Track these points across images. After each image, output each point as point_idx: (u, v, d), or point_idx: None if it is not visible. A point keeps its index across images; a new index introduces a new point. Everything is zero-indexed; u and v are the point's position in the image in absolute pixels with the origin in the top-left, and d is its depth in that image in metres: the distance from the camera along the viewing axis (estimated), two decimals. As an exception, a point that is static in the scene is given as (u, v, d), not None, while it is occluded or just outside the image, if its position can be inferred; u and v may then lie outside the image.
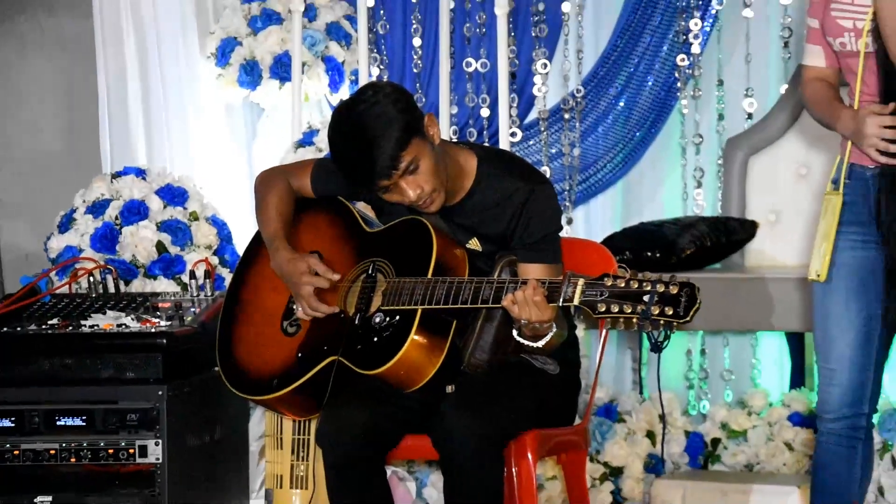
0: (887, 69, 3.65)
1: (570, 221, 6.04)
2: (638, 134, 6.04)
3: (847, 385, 3.80)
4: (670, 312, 3.50)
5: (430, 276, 3.84)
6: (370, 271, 3.98)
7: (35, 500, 4.36)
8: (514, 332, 3.79)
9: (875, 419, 4.05)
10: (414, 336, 3.80)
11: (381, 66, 6.14)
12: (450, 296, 3.78)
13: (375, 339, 3.86)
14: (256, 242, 4.24)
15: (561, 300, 3.63)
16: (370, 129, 3.78)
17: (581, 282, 3.61)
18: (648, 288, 3.53)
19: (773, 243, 5.80)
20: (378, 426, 3.89)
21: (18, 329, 4.52)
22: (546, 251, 3.92)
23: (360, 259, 4.04)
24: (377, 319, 3.88)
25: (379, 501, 3.93)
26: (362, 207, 4.16)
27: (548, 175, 5.83)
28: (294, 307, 4.04)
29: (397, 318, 3.85)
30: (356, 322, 3.91)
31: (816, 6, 3.80)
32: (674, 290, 3.51)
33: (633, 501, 5.29)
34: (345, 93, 5.92)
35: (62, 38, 6.46)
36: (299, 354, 3.99)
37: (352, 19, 6.00)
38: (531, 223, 3.91)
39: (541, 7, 6.05)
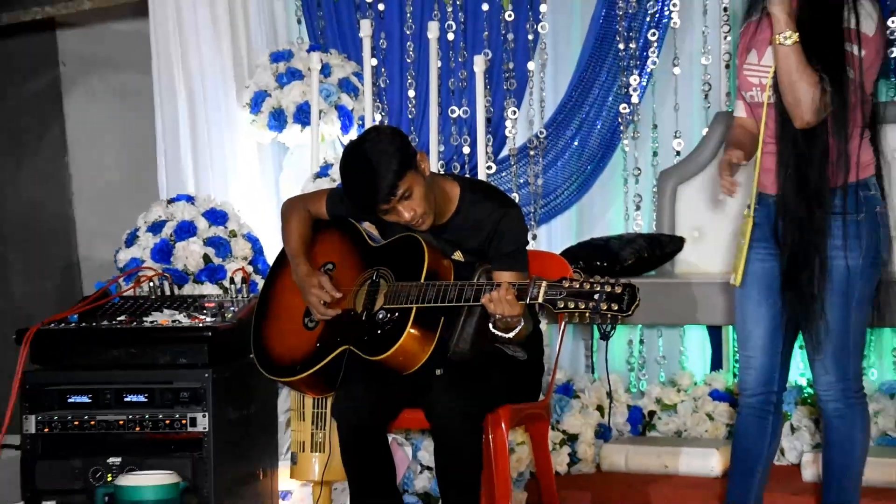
0: (783, 116, 3.66)
1: (534, 237, 6.02)
2: (589, 167, 6.02)
3: (761, 368, 3.80)
4: (616, 308, 3.50)
5: (422, 281, 3.84)
6: (374, 277, 3.97)
7: (107, 461, 4.33)
8: (490, 326, 3.78)
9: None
10: (410, 329, 3.79)
11: (383, 113, 6.13)
12: (439, 297, 3.78)
13: (379, 331, 3.85)
14: (282, 256, 4.23)
15: (528, 299, 3.63)
16: (373, 163, 3.78)
17: (544, 284, 3.61)
18: (598, 288, 3.53)
19: (697, 255, 5.79)
20: (381, 401, 3.89)
21: (94, 324, 4.50)
22: (516, 261, 3.92)
23: (366, 268, 4.03)
24: (380, 316, 3.87)
25: (381, 462, 3.92)
26: (368, 227, 4.15)
27: (517, 200, 5.81)
28: (313, 307, 4.03)
29: (396, 314, 3.84)
30: (363, 318, 3.91)
31: (739, 68, 3.81)
32: (618, 289, 3.51)
33: (586, 462, 5.27)
34: (353, 134, 5.90)
35: (126, 91, 6.45)
36: (318, 344, 3.97)
37: (359, 76, 5.98)
38: (504, 239, 3.91)
39: (511, 66, 6.04)
